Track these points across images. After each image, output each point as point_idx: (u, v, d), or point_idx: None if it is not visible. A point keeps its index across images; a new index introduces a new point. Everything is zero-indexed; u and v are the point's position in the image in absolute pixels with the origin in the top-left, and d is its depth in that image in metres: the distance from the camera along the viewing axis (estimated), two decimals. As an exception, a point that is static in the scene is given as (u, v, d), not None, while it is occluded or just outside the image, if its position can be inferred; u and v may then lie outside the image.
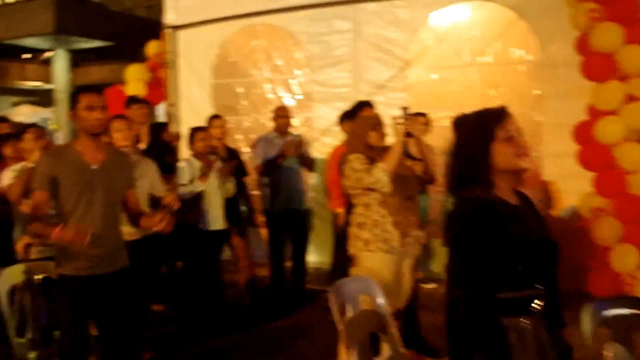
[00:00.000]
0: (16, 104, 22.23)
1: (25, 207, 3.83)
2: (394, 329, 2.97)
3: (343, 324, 2.85)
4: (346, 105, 5.30)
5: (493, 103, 2.01)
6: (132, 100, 5.39)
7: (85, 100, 2.95)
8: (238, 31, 7.13)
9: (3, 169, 4.75)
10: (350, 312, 2.96)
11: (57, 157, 3.02)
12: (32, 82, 21.73)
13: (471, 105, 2.11)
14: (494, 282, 1.81)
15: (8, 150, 5.04)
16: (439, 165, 3.99)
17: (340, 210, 5.11)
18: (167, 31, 7.38)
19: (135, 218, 3.21)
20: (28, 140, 4.27)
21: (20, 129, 4.86)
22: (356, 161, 3.65)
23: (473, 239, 1.85)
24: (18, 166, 4.38)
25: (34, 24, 12.72)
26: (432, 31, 6.45)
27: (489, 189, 1.89)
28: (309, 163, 5.60)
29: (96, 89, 3.07)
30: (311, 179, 6.14)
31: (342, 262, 4.36)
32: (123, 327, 3.11)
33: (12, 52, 17.02)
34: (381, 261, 3.64)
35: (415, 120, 5.05)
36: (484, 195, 1.88)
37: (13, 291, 3.52)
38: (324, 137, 6.39)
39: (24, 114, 17.97)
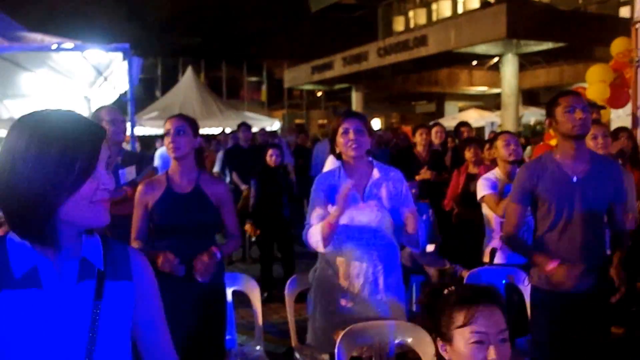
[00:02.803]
0: (461, 109, 23.95)
1: None
2: None
3: None
4: None
5: None
6: None
7: (563, 102, 2.80)
8: None
9: (464, 172, 4.97)
10: None
11: (537, 169, 2.91)
12: (478, 87, 23.06)
13: None
14: None
15: (468, 154, 5.22)
16: None
17: None
18: (637, 27, 6.64)
19: (617, 236, 2.93)
20: (499, 148, 4.28)
21: (482, 135, 4.97)
22: None
23: None
24: (489, 174, 4.41)
25: (486, 31, 13.28)
26: None
27: None
28: None
29: (572, 92, 2.95)
30: None
31: None
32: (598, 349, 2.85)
33: (461, 60, 18.31)
34: None
35: None
36: None
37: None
38: None
39: (471, 117, 19.02)
